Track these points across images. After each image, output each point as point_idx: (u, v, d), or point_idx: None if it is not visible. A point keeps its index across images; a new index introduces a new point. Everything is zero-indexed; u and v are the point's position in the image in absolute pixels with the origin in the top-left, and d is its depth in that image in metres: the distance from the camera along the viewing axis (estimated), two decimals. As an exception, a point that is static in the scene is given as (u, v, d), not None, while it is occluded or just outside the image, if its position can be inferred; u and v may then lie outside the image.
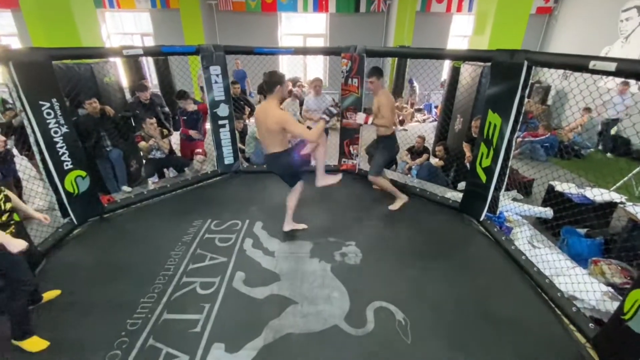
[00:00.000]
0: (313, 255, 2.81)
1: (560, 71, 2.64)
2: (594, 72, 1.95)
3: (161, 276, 2.56)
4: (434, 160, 4.96)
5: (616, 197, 3.43)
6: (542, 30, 9.58)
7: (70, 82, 3.54)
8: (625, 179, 4.29)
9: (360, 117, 3.33)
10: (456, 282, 2.53)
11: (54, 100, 2.80)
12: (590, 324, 2.06)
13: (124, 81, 5.41)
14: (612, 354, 1.81)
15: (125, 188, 3.94)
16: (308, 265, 2.70)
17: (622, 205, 3.29)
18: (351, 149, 4.25)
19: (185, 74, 7.08)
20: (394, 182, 3.99)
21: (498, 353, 1.99)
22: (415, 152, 5.14)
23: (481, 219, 3.23)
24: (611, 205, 3.46)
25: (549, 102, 8.30)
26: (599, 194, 3.36)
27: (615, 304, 1.98)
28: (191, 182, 4.05)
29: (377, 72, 3.15)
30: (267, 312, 2.23)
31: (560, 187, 3.70)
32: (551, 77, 3.12)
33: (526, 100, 2.78)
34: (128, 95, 5.21)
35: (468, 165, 4.07)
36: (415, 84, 9.02)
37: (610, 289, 2.40)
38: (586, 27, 8.08)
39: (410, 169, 5.02)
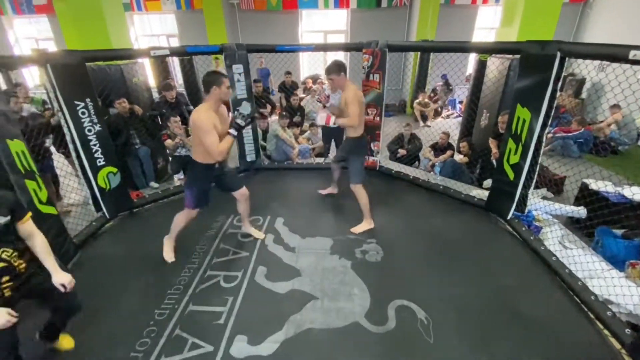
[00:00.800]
0: (333, 252, 2.82)
1: (596, 62, 2.49)
2: (635, 62, 1.83)
3: (187, 269, 2.64)
4: (459, 157, 4.83)
5: (658, 196, 3.21)
6: (575, 20, 9.04)
7: (102, 82, 3.71)
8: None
9: (321, 118, 2.82)
10: (481, 282, 2.46)
11: (87, 100, 2.94)
12: (627, 330, 1.94)
13: (152, 81, 5.61)
14: (652, 363, 1.71)
15: (153, 184, 4.10)
16: (328, 261, 2.71)
17: (664, 205, 3.07)
18: (372, 145, 4.21)
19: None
20: (416, 179, 3.92)
21: (525, 357, 1.92)
22: (439, 148, 5.02)
23: (508, 217, 3.11)
24: (652, 205, 3.24)
25: (584, 95, 7.85)
26: (638, 193, 3.15)
27: (656, 310, 1.86)
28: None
29: (337, 68, 2.72)
30: (288, 307, 2.26)
31: (595, 185, 3.50)
32: (586, 68, 2.94)
33: (558, 93, 2.64)
34: (155, 95, 5.40)
35: (494, 162, 3.93)
36: (450, 81, 8.76)
37: (650, 293, 2.25)
38: (624, 16, 7.55)
39: (433, 165, 4.91)
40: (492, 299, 2.32)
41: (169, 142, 4.17)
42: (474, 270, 2.59)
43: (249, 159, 4.34)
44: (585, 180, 3.63)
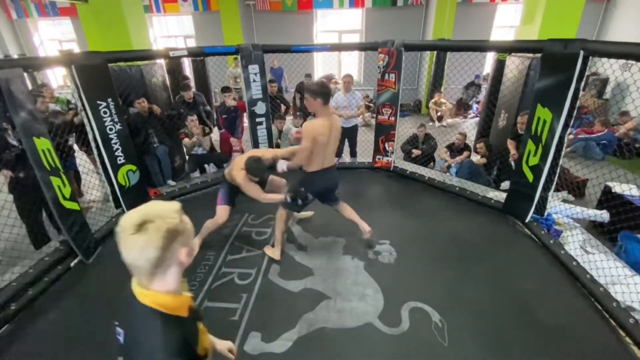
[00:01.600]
0: (346, 252, 2.82)
1: (621, 62, 2.40)
2: (665, 60, 1.75)
3: (202, 265, 2.70)
4: (476, 158, 4.74)
5: (687, 200, 3.07)
6: (598, 18, 8.72)
7: (123, 83, 3.82)
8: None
9: (280, 165, 2.68)
10: (498, 286, 2.41)
11: (109, 99, 3.04)
12: (653, 339, 1.87)
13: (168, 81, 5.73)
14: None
15: (171, 182, 4.19)
16: (341, 261, 2.71)
17: (694, 210, 2.94)
18: (386, 145, 4.18)
19: (220, 73, 7.30)
20: (431, 180, 3.87)
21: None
22: (455, 149, 4.94)
23: (527, 220, 3.04)
24: (680, 210, 3.10)
25: (607, 95, 7.57)
26: (666, 197, 3.02)
27: (685, 319, 1.78)
28: (229, 177, 4.21)
29: (311, 92, 2.34)
30: (302, 305, 2.28)
31: (619, 188, 3.37)
32: (611, 67, 2.84)
33: (581, 93, 2.56)
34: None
35: (513, 163, 3.84)
36: (481, 81, 8.57)
37: (677, 302, 2.15)
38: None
39: (449, 166, 4.83)
40: (508, 303, 2.27)
41: (186, 141, 4.25)
42: (490, 273, 2.54)
43: (263, 158, 4.38)
44: (609, 183, 3.51)
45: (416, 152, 5.02)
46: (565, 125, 2.60)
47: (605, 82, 7.48)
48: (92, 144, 3.08)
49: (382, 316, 2.18)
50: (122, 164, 3.25)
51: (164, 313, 0.84)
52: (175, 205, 0.88)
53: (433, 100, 8.05)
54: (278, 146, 4.82)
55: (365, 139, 4.90)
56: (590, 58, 2.39)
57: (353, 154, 4.95)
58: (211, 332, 2.14)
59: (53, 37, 10.55)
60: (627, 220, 2.97)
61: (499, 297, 2.32)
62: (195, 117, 4.24)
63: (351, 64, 10.25)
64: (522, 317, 2.16)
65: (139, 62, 4.14)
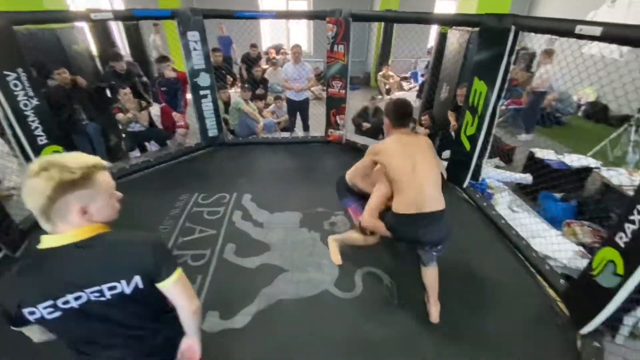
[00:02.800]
0: (302, 225, 2.86)
1: (547, 36, 2.63)
2: (580, 37, 1.95)
3: (151, 250, 2.56)
4: (421, 130, 4.98)
5: (592, 162, 3.58)
6: (529, -6, 9.37)
7: (34, 50, 3.29)
8: (602, 144, 4.45)
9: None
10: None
11: (19, 70, 2.61)
12: (561, 280, 2.22)
13: (94, 49, 5.06)
14: (580, 307, 1.97)
15: (106, 163, 3.81)
16: (298, 235, 2.75)
17: (596, 170, 3.44)
18: (338, 119, 4.21)
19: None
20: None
21: (476, 309, 2.14)
22: (402, 121, 5.12)
23: (464, 186, 3.32)
24: (587, 170, 3.61)
25: (534, 69, 8.31)
26: (576, 160, 3.49)
27: (585, 262, 2.13)
28: (175, 155, 3.96)
29: (385, 110, 2.19)
30: (260, 281, 2.29)
31: (540, 153, 3.81)
32: (538, 42, 3.10)
33: (512, 67, 2.77)
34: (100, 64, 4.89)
35: (453, 134, 4.11)
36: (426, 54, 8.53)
37: (581, 248, 2.56)
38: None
39: (396, 138, 5.02)
40: (449, 261, 2.50)
41: (120, 116, 3.86)
42: (433, 236, 2.76)
43: (210, 134, 4.16)
44: (532, 150, 3.94)
45: (366, 125, 5.13)
46: (498, 97, 2.82)
47: (532, 56, 8.18)
48: (4, 122, 2.66)
49: (338, 283, 2.29)
50: (45, 145, 2.87)
51: None
52: (90, 160, 0.90)
53: (381, 73, 8.18)
54: (226, 122, 4.60)
55: (318, 113, 4.87)
56: (521, 33, 2.58)
57: (306, 127, 4.92)
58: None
59: None
60: (546, 182, 3.39)
61: (441, 257, 2.55)
62: (128, 90, 3.84)
63: (300, 34, 9.90)
64: (460, 272, 2.41)
65: (54, 25, 3.57)
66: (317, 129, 4.76)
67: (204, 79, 3.81)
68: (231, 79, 5.33)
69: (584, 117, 6.52)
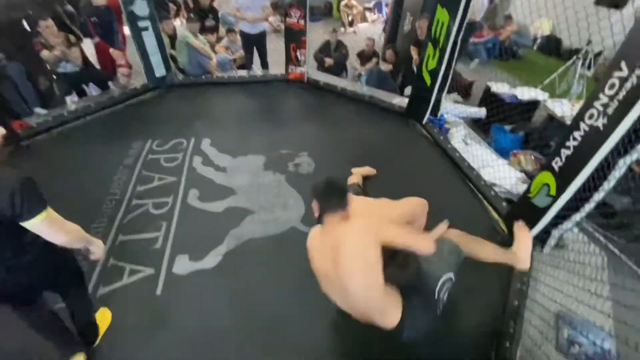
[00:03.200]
0: (267, 168, 2.85)
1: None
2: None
3: (108, 201, 2.45)
4: (384, 65, 4.87)
5: (540, 95, 3.78)
6: None
7: None
8: (551, 77, 4.66)
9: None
10: (401, 182, 2.77)
11: None
12: (504, 203, 2.48)
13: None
14: (517, 225, 2.24)
15: (40, 110, 3.39)
16: (263, 177, 2.75)
17: (543, 102, 3.66)
18: (298, 54, 3.96)
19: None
20: (343, 90, 3.93)
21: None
22: (365, 56, 4.96)
23: (424, 122, 3.41)
24: (535, 103, 3.83)
25: (496, 0, 8.15)
26: (526, 93, 3.66)
27: (525, 187, 2.36)
28: (120, 99, 3.61)
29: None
30: (227, 223, 2.32)
31: (495, 87, 3.94)
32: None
33: (474, -5, 2.68)
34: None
35: (415, 69, 4.07)
36: None
37: (523, 175, 2.83)
38: None
39: (360, 75, 4.90)
40: (406, 193, 2.68)
41: (45, 54, 3.34)
42: (394, 171, 2.88)
43: (157, 73, 3.78)
44: (489, 84, 4.05)
45: (328, 61, 4.90)
46: (459, 28, 2.77)
47: (495, -15, 7.95)
48: None
49: (304, 219, 2.38)
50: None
51: None
52: None
53: (344, 3, 7.61)
54: (174, 59, 4.15)
55: (276, 48, 4.54)
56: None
57: (264, 65, 4.59)
58: (134, 263, 2.10)
59: None
60: (498, 114, 3.57)
61: (401, 191, 2.70)
62: (50, 21, 3.26)
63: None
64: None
65: None
66: (277, 66, 4.47)
67: (141, 7, 3.32)
68: (174, 7, 4.69)
69: (539, 50, 6.70)
